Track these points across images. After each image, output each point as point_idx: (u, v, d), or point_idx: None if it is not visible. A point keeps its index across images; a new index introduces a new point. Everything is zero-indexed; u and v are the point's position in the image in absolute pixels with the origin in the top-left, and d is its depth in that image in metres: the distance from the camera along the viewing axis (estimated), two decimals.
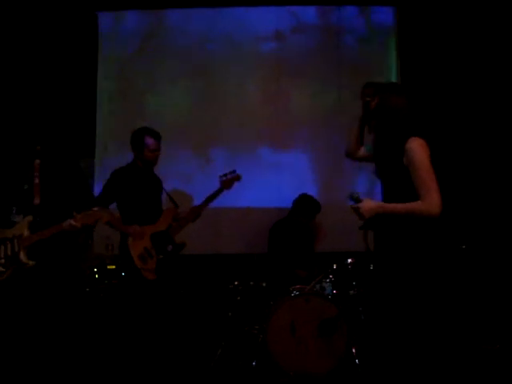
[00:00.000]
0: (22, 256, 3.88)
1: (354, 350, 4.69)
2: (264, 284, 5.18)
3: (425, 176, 3.23)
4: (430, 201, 3.19)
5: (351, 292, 4.96)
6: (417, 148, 3.30)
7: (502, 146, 6.04)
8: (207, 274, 6.08)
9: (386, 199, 3.46)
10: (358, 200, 3.43)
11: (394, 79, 6.55)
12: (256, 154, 6.53)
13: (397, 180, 3.36)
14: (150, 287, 4.73)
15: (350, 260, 5.07)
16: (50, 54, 6.41)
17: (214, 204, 6.14)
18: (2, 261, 3.88)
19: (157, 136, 4.91)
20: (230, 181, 5.21)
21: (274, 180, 6.43)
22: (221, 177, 5.20)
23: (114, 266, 5.62)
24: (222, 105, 6.57)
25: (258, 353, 4.85)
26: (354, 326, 4.78)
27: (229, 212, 6.28)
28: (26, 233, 3.91)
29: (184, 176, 6.39)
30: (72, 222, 3.86)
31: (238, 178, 5.26)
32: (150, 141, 4.87)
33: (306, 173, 6.50)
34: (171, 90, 6.58)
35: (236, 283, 5.22)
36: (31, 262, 3.90)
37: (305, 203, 5.84)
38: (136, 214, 4.80)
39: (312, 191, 6.11)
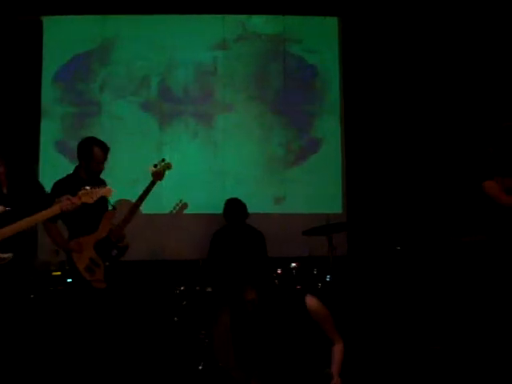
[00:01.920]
0: None
1: None
2: (209, 289, 5.22)
3: None
4: None
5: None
6: None
7: (439, 149, 6.24)
8: (153, 279, 6.09)
9: None
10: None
11: (337, 89, 6.72)
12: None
13: None
14: (100, 296, 4.68)
15: (293, 265, 5.18)
16: None
17: (160, 210, 6.23)
18: None
19: (105, 147, 4.83)
20: (160, 172, 5.11)
21: (218, 186, 6.50)
22: (151, 168, 5.11)
23: (59, 273, 5.58)
24: (166, 112, 6.62)
25: (205, 356, 4.91)
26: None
27: (174, 218, 6.31)
28: None
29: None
30: (73, 199, 3.81)
31: (168, 167, 5.16)
32: (97, 152, 4.78)
33: (250, 180, 6.57)
34: (116, 97, 6.58)
35: (182, 288, 5.26)
36: (8, 256, 3.80)
37: (232, 206, 5.92)
38: (82, 225, 4.71)
39: (256, 198, 6.23)
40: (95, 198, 4.00)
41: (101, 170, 4.87)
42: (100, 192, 4.02)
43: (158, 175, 5.10)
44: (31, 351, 4.76)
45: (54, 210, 3.88)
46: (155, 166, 5.13)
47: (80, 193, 3.91)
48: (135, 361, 5.10)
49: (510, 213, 4.38)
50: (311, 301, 3.71)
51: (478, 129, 4.88)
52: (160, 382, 4.85)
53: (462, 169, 4.66)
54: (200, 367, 4.94)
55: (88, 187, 3.97)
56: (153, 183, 5.07)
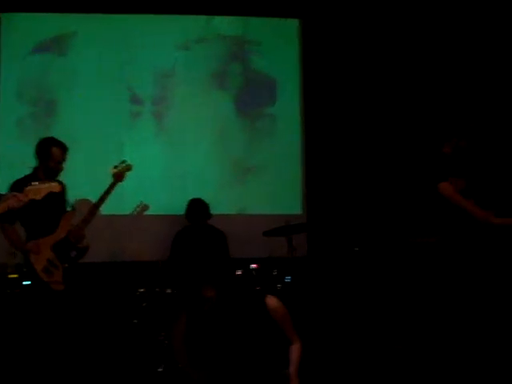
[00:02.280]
0: None
1: None
2: (169, 290, 5.21)
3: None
4: None
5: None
6: None
7: (396, 151, 6.34)
8: (113, 281, 6.04)
9: None
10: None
11: (297, 91, 6.77)
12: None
13: None
14: (58, 298, 4.64)
15: (253, 266, 5.20)
16: None
17: (121, 211, 6.19)
18: None
19: (63, 147, 4.79)
20: (121, 173, 5.05)
21: (179, 187, 6.48)
22: (112, 169, 5.05)
23: (16, 275, 5.49)
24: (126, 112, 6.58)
25: (165, 358, 4.90)
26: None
27: (131, 219, 6.28)
28: None
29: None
30: (20, 196, 3.60)
31: (128, 169, 5.10)
32: (56, 152, 4.74)
33: (210, 182, 6.57)
34: (75, 97, 6.51)
35: (141, 290, 5.24)
36: None
37: (194, 207, 5.92)
38: (40, 226, 4.67)
39: (217, 200, 6.22)
40: (43, 194, 3.78)
41: (59, 171, 4.82)
42: (48, 187, 3.88)
43: (118, 176, 5.06)
44: None
45: (1, 208, 3.79)
46: (116, 167, 5.07)
47: (26, 189, 3.71)
48: (94, 363, 5.06)
49: (462, 214, 4.47)
50: (271, 300, 3.73)
51: (433, 130, 4.95)
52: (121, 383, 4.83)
53: (418, 170, 4.72)
54: (160, 369, 4.92)
55: (36, 182, 3.84)
56: (113, 184, 5.02)
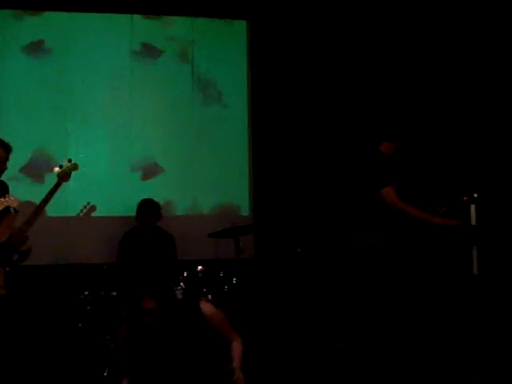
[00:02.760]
0: None
1: None
2: (114, 293, 5.16)
3: None
4: None
5: (202, 299, 5.06)
6: None
7: (342, 153, 6.42)
8: (56, 284, 5.95)
9: None
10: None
11: (244, 92, 6.80)
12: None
13: None
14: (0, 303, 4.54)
15: (200, 267, 5.19)
16: None
17: (66, 213, 6.09)
18: None
19: (6, 147, 4.64)
20: (66, 173, 4.86)
21: (127, 187, 6.44)
22: (57, 169, 4.85)
23: None
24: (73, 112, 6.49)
25: (110, 362, 4.85)
26: None
27: (77, 221, 6.20)
28: None
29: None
30: None
31: (74, 168, 4.91)
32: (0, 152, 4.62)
33: (158, 182, 6.57)
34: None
35: (86, 293, 5.16)
36: None
37: (144, 207, 5.89)
38: None
39: (163, 200, 6.22)
40: (1, 208, 3.89)
41: (3, 170, 4.73)
42: (6, 203, 3.88)
43: (64, 176, 4.91)
44: None
45: None
46: (61, 166, 4.92)
47: None
48: (39, 368, 4.98)
49: (405, 217, 4.56)
50: (206, 307, 3.77)
51: (375, 129, 5.02)
52: None
53: (362, 171, 4.78)
54: (105, 373, 4.87)
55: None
56: (58, 184, 4.88)
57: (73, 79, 6.49)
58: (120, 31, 6.63)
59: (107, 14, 6.60)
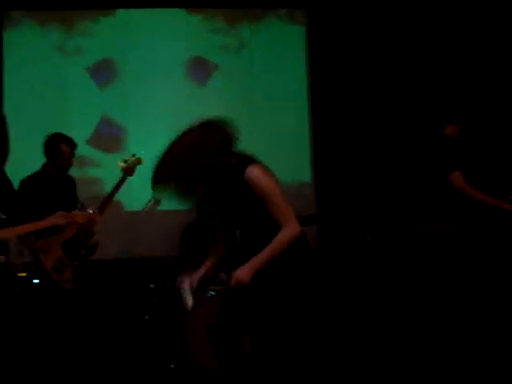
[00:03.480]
0: None
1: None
2: None
3: (280, 201, 3.10)
4: (293, 225, 3.11)
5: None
6: (258, 175, 3.09)
7: (408, 139, 6.30)
8: (123, 278, 6.02)
9: (250, 244, 3.24)
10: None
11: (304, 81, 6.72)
12: None
13: (255, 216, 3.18)
14: (68, 296, 4.62)
15: None
16: None
17: (129, 208, 6.15)
18: None
19: (72, 143, 4.79)
20: (131, 167, 4.98)
21: None
22: (121, 163, 4.99)
23: (25, 274, 5.46)
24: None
25: (177, 354, 4.87)
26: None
27: (142, 215, 6.23)
28: None
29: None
30: (58, 218, 3.88)
31: (138, 162, 5.00)
32: (65, 148, 4.73)
33: None
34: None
35: (152, 286, 5.21)
36: (2, 258, 3.76)
37: None
38: None
39: None
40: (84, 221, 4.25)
41: (68, 167, 4.81)
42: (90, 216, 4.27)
43: (128, 171, 4.98)
44: None
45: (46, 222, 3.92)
46: (125, 161, 4.99)
47: (73, 212, 4.11)
48: (105, 361, 5.03)
49: (474, 203, 4.43)
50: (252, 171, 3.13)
51: (440, 113, 4.88)
52: (131, 381, 4.79)
53: (430, 157, 4.65)
54: (171, 366, 4.90)
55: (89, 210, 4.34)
56: (123, 179, 4.95)
57: (133, 76, 6.55)
58: (179, 29, 6.66)
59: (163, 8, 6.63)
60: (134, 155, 5.04)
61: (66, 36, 6.45)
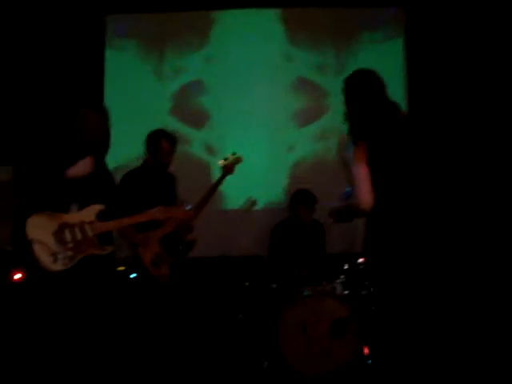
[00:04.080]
0: (97, 242, 3.83)
1: (366, 351, 4.70)
2: (274, 285, 5.15)
3: None
4: None
5: (363, 292, 4.93)
6: None
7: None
8: (217, 276, 6.06)
9: None
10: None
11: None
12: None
13: None
14: (164, 291, 4.67)
15: (361, 260, 5.05)
16: (54, 61, 6.43)
17: (224, 206, 6.18)
18: (71, 245, 3.74)
19: (172, 140, 4.84)
20: (231, 164, 5.09)
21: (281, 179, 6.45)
22: (221, 162, 5.09)
23: (123, 268, 5.57)
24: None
25: (270, 354, 4.85)
26: (366, 325, 4.77)
27: (238, 214, 6.27)
28: (95, 220, 3.84)
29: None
30: (158, 213, 4.08)
31: (239, 161, 5.11)
32: (165, 144, 4.79)
33: (311, 174, 6.49)
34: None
35: (246, 284, 5.21)
36: (110, 248, 3.87)
37: (298, 196, 5.80)
38: None
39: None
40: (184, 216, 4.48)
41: (168, 163, 4.87)
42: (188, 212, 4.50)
43: (228, 169, 5.07)
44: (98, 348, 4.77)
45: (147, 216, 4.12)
46: (225, 159, 5.10)
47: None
48: (200, 357, 5.07)
49: None
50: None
51: None
52: (224, 380, 4.80)
53: None
54: (265, 365, 4.87)
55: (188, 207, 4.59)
56: (223, 177, 5.04)
57: (230, 77, 6.59)
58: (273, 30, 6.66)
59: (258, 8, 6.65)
60: (234, 153, 5.10)
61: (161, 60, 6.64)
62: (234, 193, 6.09)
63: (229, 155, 5.13)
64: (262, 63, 6.58)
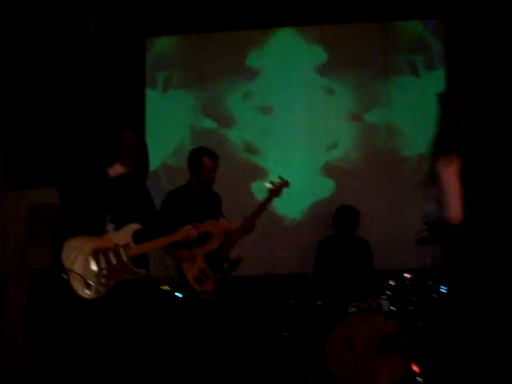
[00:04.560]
0: (132, 266, 3.78)
1: (414, 368, 4.62)
2: (320, 303, 5.12)
3: None
4: None
5: (410, 308, 4.86)
6: None
7: None
8: (262, 294, 6.03)
9: None
10: None
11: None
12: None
13: None
14: (208, 308, 4.65)
15: (407, 275, 4.98)
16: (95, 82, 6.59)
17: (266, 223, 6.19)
18: (105, 272, 3.70)
19: (214, 156, 4.84)
20: (278, 188, 5.04)
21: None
22: (268, 185, 5.04)
23: (168, 287, 5.59)
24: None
25: (316, 372, 4.80)
26: (414, 342, 4.70)
27: (282, 232, 6.28)
28: (131, 242, 3.81)
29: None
30: (190, 230, 4.08)
31: (286, 185, 5.07)
32: (207, 161, 4.79)
33: (357, 188, 6.45)
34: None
35: (291, 302, 5.18)
36: (143, 271, 3.82)
37: (341, 212, 5.79)
38: None
39: (365, 207, 6.04)
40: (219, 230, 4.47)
41: (212, 180, 4.88)
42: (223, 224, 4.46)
43: (274, 192, 5.04)
44: (140, 364, 4.77)
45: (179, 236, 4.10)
46: (271, 182, 5.06)
47: (207, 222, 4.30)
48: (245, 377, 5.05)
49: None
50: None
51: None
52: None
53: None
54: (311, 383, 4.83)
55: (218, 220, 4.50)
56: (268, 199, 5.02)
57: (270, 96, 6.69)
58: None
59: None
60: (280, 177, 5.09)
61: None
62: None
63: (276, 179, 5.12)
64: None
